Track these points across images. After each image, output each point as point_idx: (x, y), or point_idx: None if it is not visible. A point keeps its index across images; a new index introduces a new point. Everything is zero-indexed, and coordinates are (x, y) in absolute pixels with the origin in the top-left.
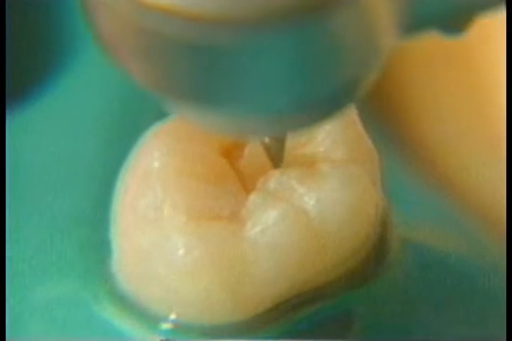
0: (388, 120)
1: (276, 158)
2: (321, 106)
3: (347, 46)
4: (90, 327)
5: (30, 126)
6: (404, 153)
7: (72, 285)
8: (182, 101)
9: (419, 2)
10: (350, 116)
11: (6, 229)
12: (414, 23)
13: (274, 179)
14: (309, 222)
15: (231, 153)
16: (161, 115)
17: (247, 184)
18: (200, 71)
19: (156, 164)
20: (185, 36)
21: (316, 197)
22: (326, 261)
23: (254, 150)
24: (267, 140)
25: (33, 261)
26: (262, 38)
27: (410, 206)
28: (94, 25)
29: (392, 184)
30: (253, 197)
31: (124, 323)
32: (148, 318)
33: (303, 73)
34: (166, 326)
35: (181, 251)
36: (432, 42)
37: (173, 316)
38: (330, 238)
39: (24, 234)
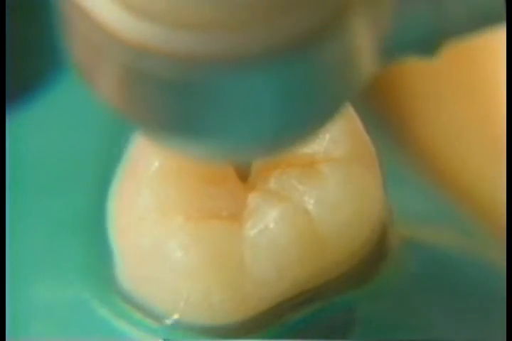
0: (389, 120)
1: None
2: (303, 128)
3: (328, 78)
4: (91, 327)
5: (30, 125)
6: (405, 152)
7: (72, 285)
8: (160, 131)
9: (398, 29)
10: (350, 115)
11: (6, 229)
12: (394, 48)
13: (273, 178)
14: (309, 222)
15: None
16: None
17: (246, 183)
18: (177, 105)
19: (155, 163)
20: (163, 72)
21: (316, 196)
22: (326, 260)
23: None
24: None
25: (33, 262)
26: (238, 76)
27: (410, 206)
28: (71, 53)
29: (392, 183)
30: (253, 197)
31: (124, 323)
32: (149, 318)
33: (282, 106)
34: (166, 326)
35: (180, 252)
36: None
37: (173, 316)
38: (330, 237)
39: (24, 234)
